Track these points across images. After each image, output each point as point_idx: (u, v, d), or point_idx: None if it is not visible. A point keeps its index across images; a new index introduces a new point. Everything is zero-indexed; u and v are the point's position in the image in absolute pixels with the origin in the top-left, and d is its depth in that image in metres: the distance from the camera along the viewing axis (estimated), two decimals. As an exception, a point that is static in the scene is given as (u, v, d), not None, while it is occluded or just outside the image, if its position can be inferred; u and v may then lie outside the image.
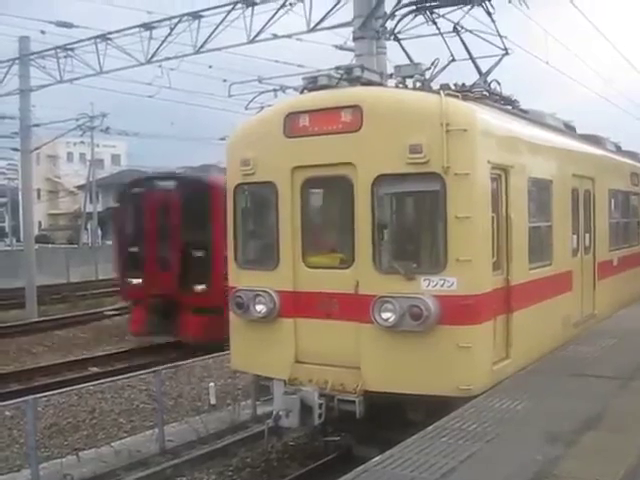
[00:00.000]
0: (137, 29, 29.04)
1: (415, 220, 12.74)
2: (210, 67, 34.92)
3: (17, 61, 34.58)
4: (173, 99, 38.43)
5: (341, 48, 27.17)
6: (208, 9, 27.19)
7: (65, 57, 31.85)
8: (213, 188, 23.00)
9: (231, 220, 13.26)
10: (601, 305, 17.06)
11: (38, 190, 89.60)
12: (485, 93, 13.58)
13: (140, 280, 25.33)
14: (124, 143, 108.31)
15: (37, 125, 39.33)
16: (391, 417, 11.41)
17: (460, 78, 13.33)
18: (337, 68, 12.96)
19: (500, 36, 14.79)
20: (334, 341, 11.80)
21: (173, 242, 24.72)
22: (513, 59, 15.41)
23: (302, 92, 12.95)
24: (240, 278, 12.96)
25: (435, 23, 14.91)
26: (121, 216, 27.79)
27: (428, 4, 14.74)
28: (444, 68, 14.33)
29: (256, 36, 26.04)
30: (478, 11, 14.81)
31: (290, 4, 24.72)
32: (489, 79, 14.56)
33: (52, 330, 30.08)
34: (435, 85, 12.79)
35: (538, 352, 12.93)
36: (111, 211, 35.56)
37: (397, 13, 16.01)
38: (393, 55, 19.43)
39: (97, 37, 30.37)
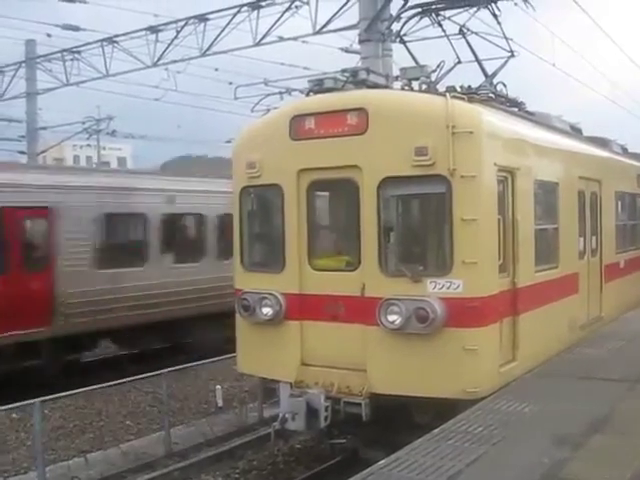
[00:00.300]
0: (143, 32, 29.18)
1: (421, 222, 12.73)
2: (216, 70, 35.09)
3: (24, 64, 34.67)
4: (179, 102, 38.51)
5: (347, 51, 27.27)
6: (214, 12, 27.29)
7: (72, 60, 31.98)
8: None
9: (237, 223, 13.28)
10: (608, 307, 17.03)
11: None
12: (491, 95, 13.55)
13: None
14: (130, 146, 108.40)
15: (44, 128, 39.45)
16: (397, 420, 11.40)
17: (466, 80, 13.34)
18: (343, 71, 12.98)
19: (506, 38, 14.80)
20: (340, 344, 11.80)
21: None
22: (519, 61, 15.41)
23: (308, 95, 12.96)
24: (246, 281, 12.96)
25: (441, 25, 14.92)
26: None
27: (434, 6, 14.73)
28: (450, 70, 14.39)
29: (262, 39, 26.10)
30: (484, 13, 14.83)
31: (296, 7, 24.81)
32: (495, 81, 14.57)
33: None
34: (441, 87, 12.81)
35: (545, 355, 12.91)
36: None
37: (403, 15, 16.02)
38: (399, 57, 19.47)
39: (103, 40, 30.49)
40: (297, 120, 12.22)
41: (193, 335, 24.16)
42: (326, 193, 13.31)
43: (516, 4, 16.32)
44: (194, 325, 23.70)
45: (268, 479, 13.71)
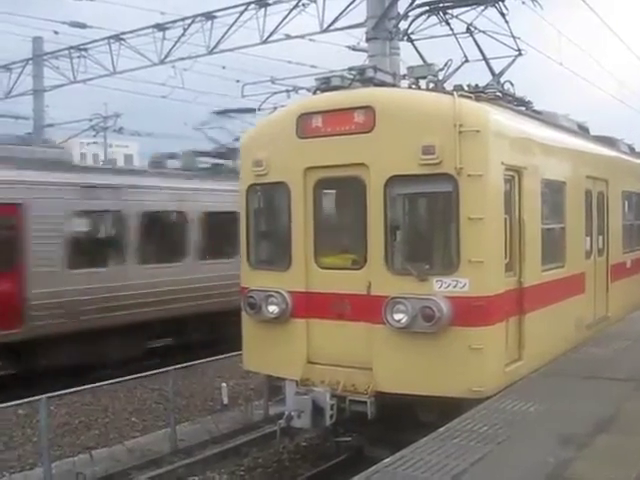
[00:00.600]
0: (150, 30, 29.21)
1: (427, 221, 12.73)
2: (223, 68, 35.08)
3: (31, 61, 34.69)
4: (186, 99, 38.48)
5: (354, 49, 27.23)
6: (221, 10, 27.32)
7: (78, 57, 32.01)
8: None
9: (244, 220, 13.29)
10: (614, 307, 17.01)
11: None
12: (498, 94, 13.53)
13: None
14: (137, 143, 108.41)
15: (51, 125, 39.44)
16: (402, 418, 11.40)
17: (473, 79, 13.33)
18: (350, 69, 13.00)
19: (513, 37, 14.78)
20: (346, 342, 11.80)
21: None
22: (527, 60, 15.40)
23: (315, 93, 12.96)
24: (252, 278, 12.98)
25: (448, 24, 14.89)
26: None
27: (441, 4, 14.71)
28: (457, 69, 14.38)
29: (269, 37, 26.13)
30: (491, 12, 14.80)
31: (303, 5, 24.81)
32: (502, 80, 14.56)
33: None
34: (448, 86, 12.79)
35: (551, 354, 12.90)
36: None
37: (410, 14, 15.98)
38: (406, 56, 19.45)
39: (110, 37, 30.53)
40: (304, 118, 12.22)
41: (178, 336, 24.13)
42: (333, 191, 13.30)
43: (524, 2, 16.38)
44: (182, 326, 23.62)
45: (273, 477, 13.72)
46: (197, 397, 18.42)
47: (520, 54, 14.89)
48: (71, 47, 32.13)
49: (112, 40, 30.45)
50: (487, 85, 13.69)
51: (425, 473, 7.81)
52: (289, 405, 12.05)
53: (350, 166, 11.79)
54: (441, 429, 9.35)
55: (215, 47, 27.91)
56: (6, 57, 37.11)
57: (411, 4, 16.38)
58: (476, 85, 13.04)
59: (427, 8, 14.87)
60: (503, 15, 14.65)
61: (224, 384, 17.99)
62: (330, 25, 24.22)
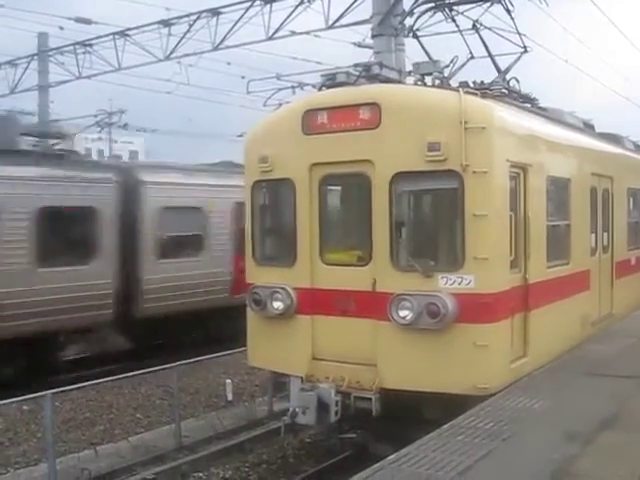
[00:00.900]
0: (156, 25, 29.18)
1: (433, 218, 12.74)
2: (228, 64, 35.00)
3: (36, 57, 34.70)
4: (191, 96, 38.53)
5: (359, 45, 27.15)
6: (227, 6, 27.25)
7: (84, 53, 31.94)
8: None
9: (249, 217, 13.29)
10: (619, 304, 17.01)
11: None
12: (504, 91, 13.53)
13: None
14: (142, 139, 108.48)
15: (56, 121, 39.40)
16: (407, 415, 11.40)
17: (479, 76, 13.34)
18: (355, 65, 12.96)
19: (519, 34, 14.77)
20: (351, 338, 11.81)
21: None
22: (533, 57, 15.39)
23: (320, 89, 12.96)
24: (257, 274, 12.99)
25: (454, 20, 14.89)
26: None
27: (447, 1, 14.70)
28: (463, 66, 14.33)
29: (275, 33, 26.09)
30: (497, 8, 14.79)
31: (308, 1, 24.77)
32: (508, 77, 14.55)
33: None
34: (454, 83, 12.80)
35: (556, 351, 12.90)
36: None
37: (416, 10, 15.99)
38: (412, 52, 19.41)
39: (116, 33, 30.48)
40: (309, 115, 12.22)
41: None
42: (338, 188, 13.30)
43: (530, -1, 16.30)
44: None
45: (278, 473, 13.72)
46: (202, 393, 18.42)
47: (526, 51, 14.89)
48: (76, 43, 32.10)
49: (117, 36, 30.41)
50: (493, 82, 13.69)
51: (430, 470, 7.81)
52: (294, 401, 12.05)
53: (355, 162, 11.79)
54: (446, 426, 9.35)
55: (220, 43, 27.88)
56: (11, 53, 37.15)
57: (417, 0, 16.34)
58: (482, 82, 13.06)
59: (433, 5, 14.88)
60: (509, 12, 14.64)
61: (229, 380, 18.01)
62: (335, 22, 24.18)
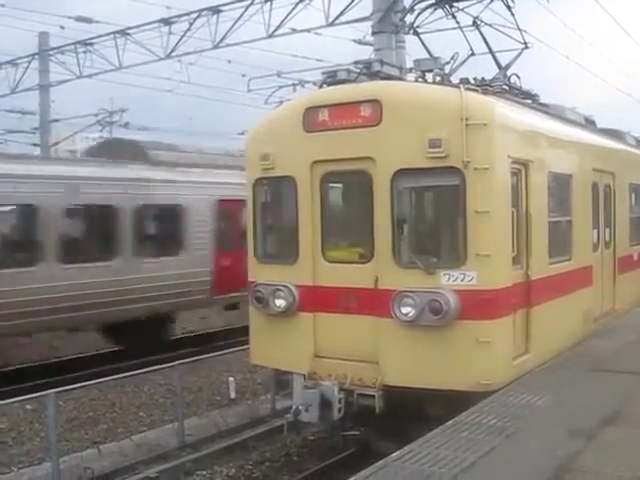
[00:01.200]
0: (156, 24, 29.22)
1: (434, 214, 12.73)
2: (229, 62, 35.09)
3: (37, 56, 34.73)
4: (192, 94, 38.54)
5: (360, 43, 27.20)
6: (227, 4, 27.29)
7: (84, 52, 32.00)
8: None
9: (250, 214, 13.29)
10: (621, 300, 16.99)
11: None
12: (505, 87, 13.53)
13: None
14: (143, 138, 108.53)
15: (56, 120, 39.49)
16: (410, 412, 11.40)
17: (479, 72, 13.33)
18: (356, 62, 12.96)
19: (520, 30, 14.76)
20: (353, 336, 11.81)
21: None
22: (533, 55, 15.38)
23: (321, 87, 12.94)
24: (259, 272, 12.99)
25: (454, 17, 14.88)
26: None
27: (447, -3, 14.70)
28: (463, 62, 14.36)
29: (275, 31, 26.11)
30: (498, 5, 14.79)
31: (309, -2, 24.76)
32: (509, 73, 14.54)
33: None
34: (455, 79, 12.79)
35: (558, 347, 12.89)
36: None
37: (416, 7, 15.93)
38: (412, 49, 19.43)
39: (116, 32, 30.52)
40: (310, 112, 12.22)
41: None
42: (339, 185, 13.30)
43: (530, -6, 16.28)
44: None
45: (281, 471, 13.72)
46: (204, 391, 18.44)
47: (526, 47, 14.88)
48: (77, 42, 32.14)
49: (118, 35, 30.45)
50: (493, 78, 13.69)
51: (433, 467, 7.81)
52: (297, 399, 12.06)
53: (357, 160, 11.79)
54: (449, 422, 9.35)
55: (221, 41, 27.90)
56: (12, 52, 37.15)
57: (417, -3, 16.32)
58: (482, 78, 13.05)
59: (433, 1, 14.88)
60: (509, 8, 14.65)
61: (231, 378, 18.02)
62: (336, 19, 24.19)
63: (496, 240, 11.11)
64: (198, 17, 28.03)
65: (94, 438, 15.13)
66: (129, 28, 30.23)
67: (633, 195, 19.22)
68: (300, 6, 25.11)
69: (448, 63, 13.19)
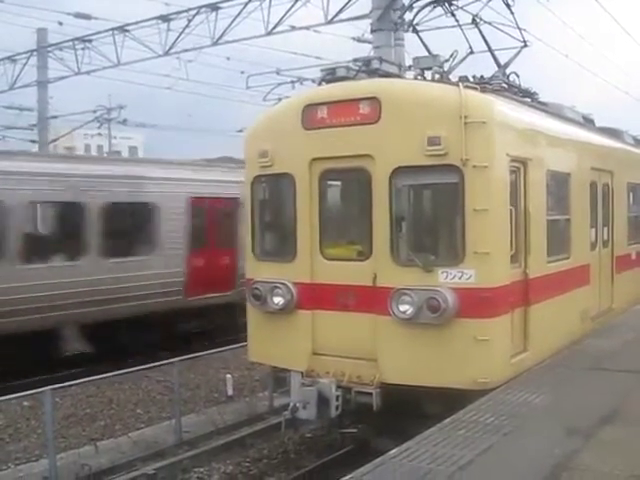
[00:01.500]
0: (155, 21, 29.21)
1: (433, 212, 12.73)
2: (228, 59, 35.05)
3: (35, 53, 34.70)
4: (191, 91, 38.53)
5: (359, 40, 27.22)
6: (226, 1, 27.28)
7: (83, 49, 31.99)
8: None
9: (248, 212, 13.29)
10: (619, 299, 17.01)
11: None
12: (504, 85, 13.53)
13: None
14: (141, 135, 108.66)
15: (55, 117, 39.49)
16: (408, 410, 11.40)
17: (478, 70, 13.32)
18: (355, 60, 12.97)
19: (519, 28, 14.77)
20: (351, 333, 11.80)
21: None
22: (535, 52, 15.39)
23: (320, 84, 12.95)
24: (257, 270, 12.98)
25: (454, 15, 14.86)
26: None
27: (446, -5, 14.69)
28: (463, 60, 14.32)
29: (274, 28, 26.12)
30: (497, 3, 14.79)
31: (308, -5, 24.77)
32: (508, 71, 14.54)
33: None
34: (454, 77, 12.77)
35: (556, 345, 12.90)
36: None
37: (415, 5, 15.96)
38: (411, 47, 19.45)
39: (115, 29, 30.52)
40: (309, 109, 12.21)
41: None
42: (338, 182, 13.30)
43: (529, -7, 16.28)
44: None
45: (279, 468, 13.72)
46: (202, 388, 18.44)
47: (526, 45, 14.89)
48: (75, 38, 32.13)
49: (116, 31, 30.43)
50: (492, 76, 13.69)
51: (431, 464, 7.82)
52: (294, 396, 12.04)
53: (355, 157, 11.78)
54: (446, 420, 9.36)
55: (220, 38, 27.91)
56: (10, 48, 37.17)
57: (416, -5, 16.32)
58: (481, 76, 13.03)
59: (432, -1, 14.86)
60: (508, 6, 14.66)
61: (229, 375, 18.03)
62: (335, 16, 24.21)
63: (494, 238, 11.11)
64: (197, 14, 28.04)
65: (91, 435, 15.14)
66: (127, 25, 30.23)
67: (631, 194, 19.24)
68: (299, 3, 25.16)
69: (447, 61, 13.19)
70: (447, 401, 10.68)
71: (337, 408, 11.51)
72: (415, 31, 15.35)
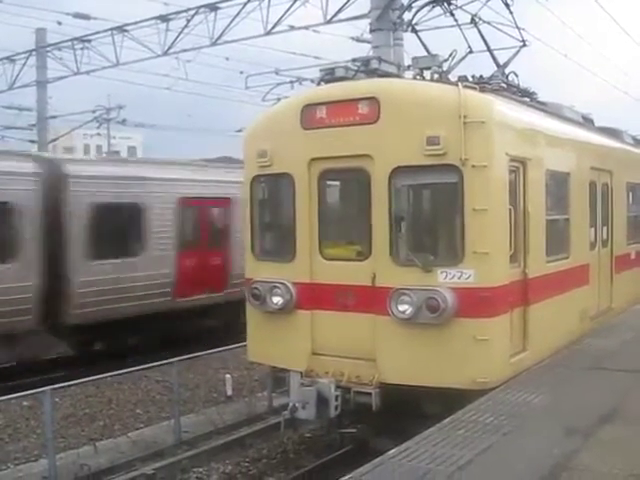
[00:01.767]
0: (154, 21, 29.19)
1: (432, 212, 12.72)
2: (227, 59, 35.09)
3: (34, 53, 34.67)
4: (190, 91, 38.52)
5: (358, 40, 27.21)
6: (225, 1, 27.27)
7: (82, 49, 31.97)
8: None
9: (248, 211, 13.28)
10: (618, 298, 17.00)
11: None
12: (503, 85, 13.53)
13: None
14: (140, 135, 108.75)
15: (54, 117, 39.47)
16: (407, 409, 11.40)
17: (478, 70, 13.31)
18: (354, 60, 12.96)
19: (518, 28, 14.77)
20: (350, 333, 11.80)
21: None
22: (532, 54, 15.38)
23: (319, 84, 12.95)
24: (257, 270, 12.98)
25: (453, 14, 14.88)
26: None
27: (445, -5, 14.69)
28: (462, 60, 14.31)
29: (273, 28, 26.09)
30: (496, 2, 14.79)
31: (307, -5, 24.76)
32: (507, 71, 14.54)
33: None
34: (453, 77, 12.77)
35: (555, 345, 12.90)
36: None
37: (414, 4, 15.98)
38: (410, 47, 19.45)
39: (114, 29, 30.49)
40: (308, 109, 12.20)
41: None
42: (337, 182, 13.29)
43: (528, -7, 16.28)
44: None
45: (278, 468, 13.72)
46: (201, 389, 18.45)
47: (525, 45, 14.89)
48: (74, 38, 32.11)
49: (115, 31, 30.40)
50: (492, 76, 13.68)
51: (430, 464, 7.82)
52: (294, 396, 12.04)
53: (354, 157, 11.78)
54: (446, 420, 9.36)
55: (219, 38, 27.89)
56: (9, 48, 37.13)
57: (415, -5, 16.32)
58: (480, 76, 13.03)
59: (431, -1, 14.85)
60: (507, 6, 14.67)
61: (228, 375, 18.03)
62: (334, 16, 24.19)
63: (494, 238, 11.11)
64: (196, 14, 28.01)
65: (91, 435, 15.15)
66: (127, 25, 30.20)
67: (630, 194, 19.23)
68: (298, 3, 25.14)
69: (446, 61, 13.17)
70: (446, 401, 10.67)
71: (336, 408, 11.50)
72: (414, 31, 15.35)
